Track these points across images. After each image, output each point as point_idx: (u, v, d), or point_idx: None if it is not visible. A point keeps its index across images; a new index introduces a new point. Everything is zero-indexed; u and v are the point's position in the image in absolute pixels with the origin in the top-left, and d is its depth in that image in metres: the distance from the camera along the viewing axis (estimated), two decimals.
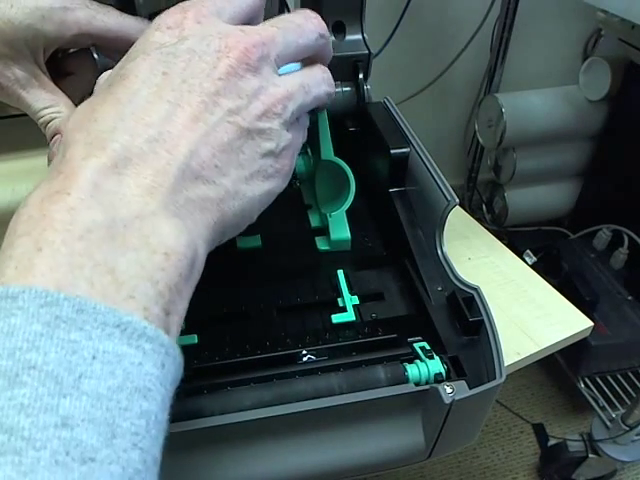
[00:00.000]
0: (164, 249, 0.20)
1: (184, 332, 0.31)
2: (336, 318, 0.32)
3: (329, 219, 0.37)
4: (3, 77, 0.33)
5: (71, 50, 0.37)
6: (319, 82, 0.28)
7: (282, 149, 0.25)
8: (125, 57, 0.25)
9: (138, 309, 0.19)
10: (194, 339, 0.30)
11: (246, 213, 0.25)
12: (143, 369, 0.18)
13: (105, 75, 0.26)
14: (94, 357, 0.17)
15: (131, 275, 0.19)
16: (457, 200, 0.33)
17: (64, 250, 0.18)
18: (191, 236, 0.21)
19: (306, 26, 0.27)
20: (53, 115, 0.34)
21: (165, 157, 0.21)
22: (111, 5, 0.36)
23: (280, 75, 0.26)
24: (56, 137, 0.34)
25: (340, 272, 0.35)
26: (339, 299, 0.33)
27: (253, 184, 0.24)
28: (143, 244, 0.20)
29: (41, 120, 0.34)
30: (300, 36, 0.27)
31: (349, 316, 0.32)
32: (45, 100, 0.34)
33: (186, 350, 0.30)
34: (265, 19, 0.28)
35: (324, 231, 0.39)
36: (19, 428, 0.15)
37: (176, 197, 0.21)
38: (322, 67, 0.29)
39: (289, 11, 0.62)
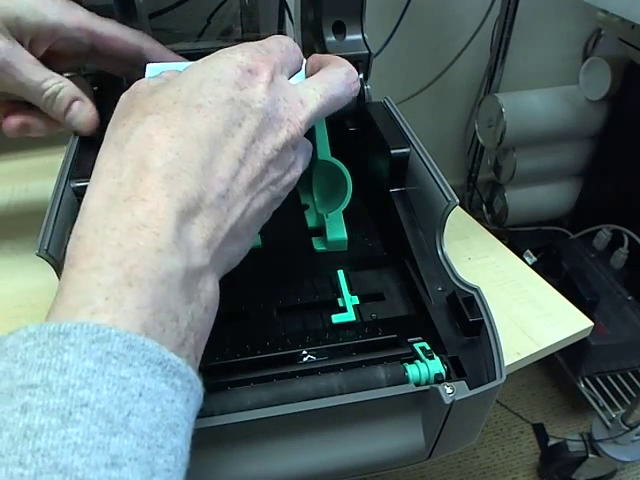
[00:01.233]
0: (206, 303, 0.22)
1: None
2: (336, 318, 0.32)
3: (326, 219, 0.37)
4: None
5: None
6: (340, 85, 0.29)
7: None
8: (198, 75, 0.25)
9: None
10: None
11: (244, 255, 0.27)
12: (174, 406, 0.19)
13: (142, 84, 0.26)
14: (140, 394, 0.17)
15: (184, 326, 0.20)
16: (457, 200, 0.33)
17: (149, 291, 0.19)
18: (217, 287, 0.23)
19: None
20: (60, 85, 0.34)
21: (224, 215, 0.23)
22: (111, 5, 0.36)
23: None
24: (75, 103, 0.35)
25: (340, 272, 0.35)
26: (339, 299, 0.33)
27: (255, 232, 0.27)
28: (197, 297, 0.21)
29: (48, 92, 0.34)
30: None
31: (349, 316, 0.32)
32: (43, 72, 0.33)
33: None
34: (265, 19, 0.29)
35: (321, 231, 0.39)
36: (73, 468, 0.16)
37: (220, 252, 0.23)
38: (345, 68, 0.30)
39: (289, 11, 0.62)
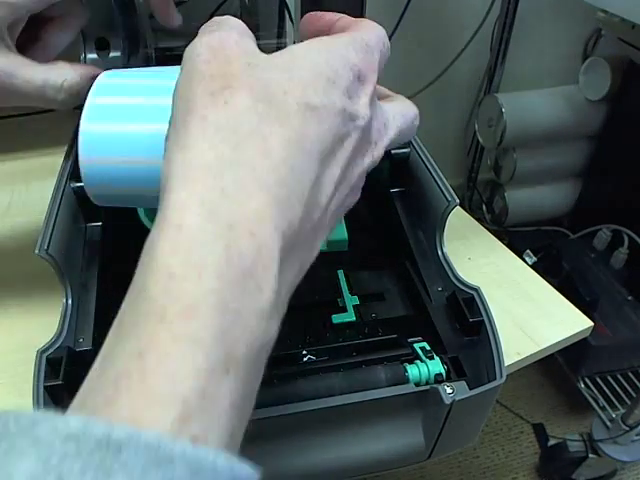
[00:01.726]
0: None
1: None
2: (336, 318, 0.32)
3: None
4: None
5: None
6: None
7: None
8: (305, 56, 0.21)
9: None
10: None
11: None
12: None
13: (230, 41, 0.20)
14: None
15: (236, 441, 0.16)
16: (457, 200, 0.33)
17: (243, 377, 0.15)
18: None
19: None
20: (62, 76, 0.30)
21: (312, 249, 0.20)
22: (111, 5, 0.36)
23: None
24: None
25: (340, 272, 0.35)
26: (339, 299, 0.33)
27: (342, 210, 0.24)
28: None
29: (51, 84, 0.30)
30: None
31: (349, 316, 0.32)
32: (42, 70, 0.30)
33: None
34: (265, 19, 0.28)
35: None
36: None
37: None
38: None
39: (289, 11, 0.62)
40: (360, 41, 0.22)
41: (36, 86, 0.29)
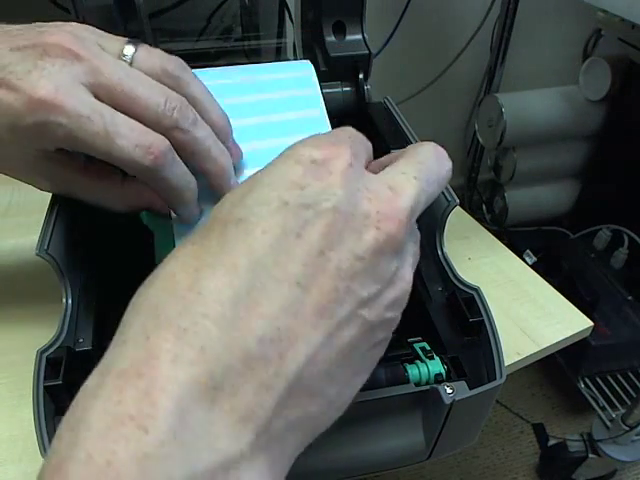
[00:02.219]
0: None
1: None
2: None
3: None
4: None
5: None
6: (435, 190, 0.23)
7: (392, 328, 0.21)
8: (249, 184, 0.20)
9: None
10: None
11: (340, 413, 0.20)
12: None
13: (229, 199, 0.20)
14: None
15: None
16: (457, 200, 0.33)
17: None
18: (274, 474, 0.17)
19: (444, 175, 0.23)
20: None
21: (275, 365, 0.16)
22: (111, 5, 0.36)
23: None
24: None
25: None
26: None
27: (356, 383, 0.20)
28: None
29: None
30: (438, 189, 0.23)
31: None
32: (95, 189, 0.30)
33: None
34: (265, 19, 0.28)
35: None
36: None
37: (272, 424, 0.16)
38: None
39: (289, 11, 0.62)
40: (315, 136, 0.21)
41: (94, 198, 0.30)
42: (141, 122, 0.26)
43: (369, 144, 0.23)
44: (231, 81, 0.35)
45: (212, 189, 0.30)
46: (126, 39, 0.29)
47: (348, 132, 0.22)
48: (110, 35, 0.29)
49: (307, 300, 0.17)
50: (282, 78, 0.36)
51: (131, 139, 0.26)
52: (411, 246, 0.22)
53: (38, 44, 0.26)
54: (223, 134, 0.30)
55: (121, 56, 0.27)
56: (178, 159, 0.28)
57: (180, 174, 0.28)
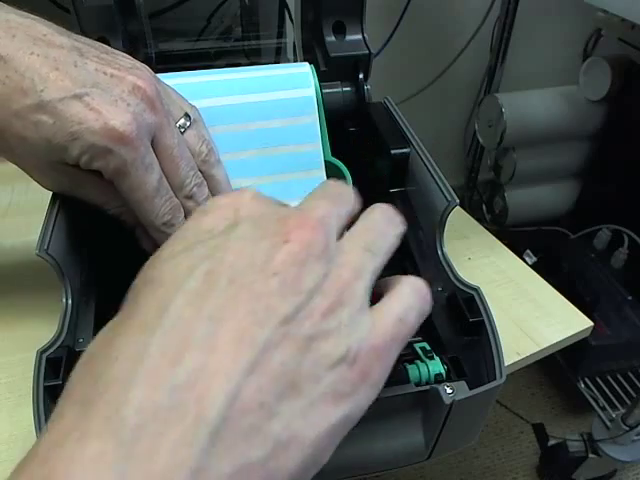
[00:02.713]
0: None
1: None
2: None
3: None
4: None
5: None
6: (384, 231, 0.22)
7: (361, 349, 0.18)
8: (162, 248, 0.20)
9: None
10: None
11: (313, 461, 0.17)
12: None
13: None
14: None
15: None
16: (457, 200, 0.33)
17: None
18: None
19: (347, 193, 0.23)
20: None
21: (192, 413, 0.15)
22: (111, 5, 0.36)
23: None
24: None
25: None
26: None
27: (317, 415, 0.17)
28: None
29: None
30: (347, 205, 0.22)
31: None
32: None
33: None
34: (265, 19, 0.28)
35: None
36: None
37: (199, 476, 0.14)
38: (380, 207, 0.23)
39: (289, 11, 0.62)
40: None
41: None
42: (169, 182, 0.30)
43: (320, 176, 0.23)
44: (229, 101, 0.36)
45: None
46: (184, 110, 0.31)
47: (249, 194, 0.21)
48: (172, 94, 0.31)
49: (221, 332, 0.16)
50: (281, 98, 0.36)
51: (164, 198, 0.29)
52: (353, 252, 0.20)
53: (128, 79, 0.28)
54: None
55: (177, 124, 0.30)
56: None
57: None
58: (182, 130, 0.31)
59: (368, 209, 0.23)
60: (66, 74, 0.27)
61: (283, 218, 0.19)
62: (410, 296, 0.21)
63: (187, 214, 0.31)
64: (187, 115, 0.31)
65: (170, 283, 0.17)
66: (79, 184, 0.30)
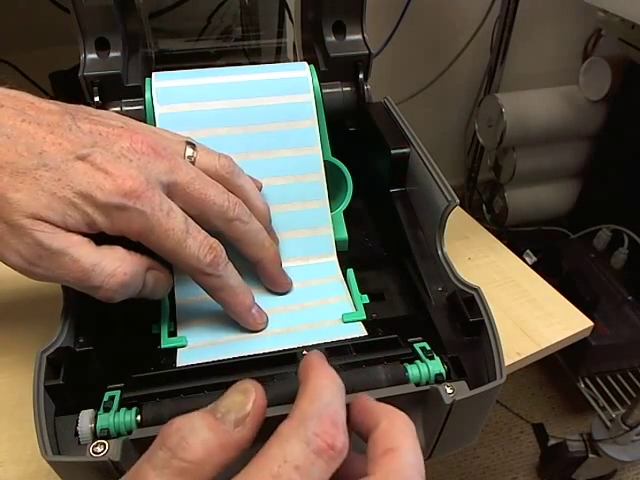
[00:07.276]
0: None
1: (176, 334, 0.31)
2: (347, 317, 0.32)
3: None
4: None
5: None
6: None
7: None
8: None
9: None
10: (183, 341, 0.30)
11: None
12: None
13: None
14: None
15: None
16: (457, 200, 0.33)
17: None
18: None
19: None
20: (116, 262, 0.28)
21: None
22: (111, 5, 0.36)
23: None
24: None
25: (350, 271, 0.35)
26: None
27: None
28: None
29: (100, 269, 0.27)
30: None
31: (360, 315, 0.32)
32: (96, 254, 0.28)
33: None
34: (265, 19, 0.28)
35: None
36: None
37: None
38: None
39: (289, 11, 0.62)
40: None
41: (83, 268, 0.27)
42: (207, 217, 0.29)
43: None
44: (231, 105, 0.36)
45: (263, 277, 0.33)
46: (183, 140, 0.31)
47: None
48: (166, 134, 0.31)
49: None
50: (280, 103, 0.36)
51: (197, 239, 0.28)
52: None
53: (124, 135, 0.28)
54: (266, 221, 0.33)
55: (185, 157, 0.30)
56: (229, 260, 0.30)
57: (232, 271, 0.30)
58: (192, 160, 0.30)
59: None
60: (62, 136, 0.26)
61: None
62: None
63: (236, 239, 0.31)
64: (188, 142, 0.31)
65: None
66: None
